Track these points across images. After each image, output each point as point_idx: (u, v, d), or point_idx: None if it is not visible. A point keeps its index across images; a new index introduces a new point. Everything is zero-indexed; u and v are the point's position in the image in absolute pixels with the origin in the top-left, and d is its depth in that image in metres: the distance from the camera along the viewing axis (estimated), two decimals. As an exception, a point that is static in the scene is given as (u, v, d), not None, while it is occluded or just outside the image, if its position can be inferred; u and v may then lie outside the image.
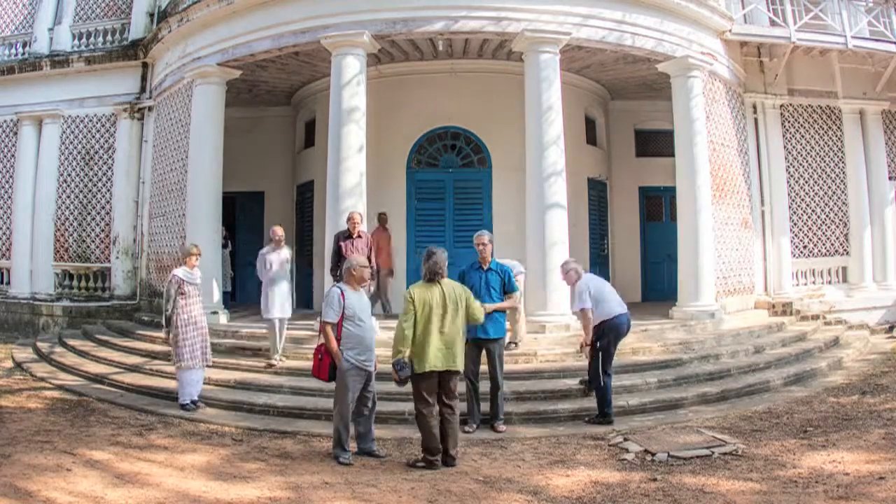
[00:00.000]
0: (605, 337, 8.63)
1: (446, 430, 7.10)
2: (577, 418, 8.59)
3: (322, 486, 6.35)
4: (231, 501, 5.97)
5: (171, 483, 6.40)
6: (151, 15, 16.31)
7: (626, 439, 7.70)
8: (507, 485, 6.38)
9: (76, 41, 16.80)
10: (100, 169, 16.36)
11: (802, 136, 15.82)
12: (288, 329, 11.18)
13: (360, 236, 10.91)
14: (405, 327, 6.96)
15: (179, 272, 9.42)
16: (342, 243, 10.75)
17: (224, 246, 15.14)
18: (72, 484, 6.22)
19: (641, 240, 17.45)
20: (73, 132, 16.56)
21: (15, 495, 5.86)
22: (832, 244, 15.91)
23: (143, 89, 16.26)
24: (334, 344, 7.28)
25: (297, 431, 8.26)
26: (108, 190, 16.27)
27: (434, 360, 6.97)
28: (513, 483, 6.43)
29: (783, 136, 15.63)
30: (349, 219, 11.00)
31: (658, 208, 17.77)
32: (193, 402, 9.25)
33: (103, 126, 16.41)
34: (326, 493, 6.20)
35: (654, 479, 6.36)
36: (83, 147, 16.50)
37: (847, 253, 15.95)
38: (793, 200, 15.63)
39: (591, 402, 8.87)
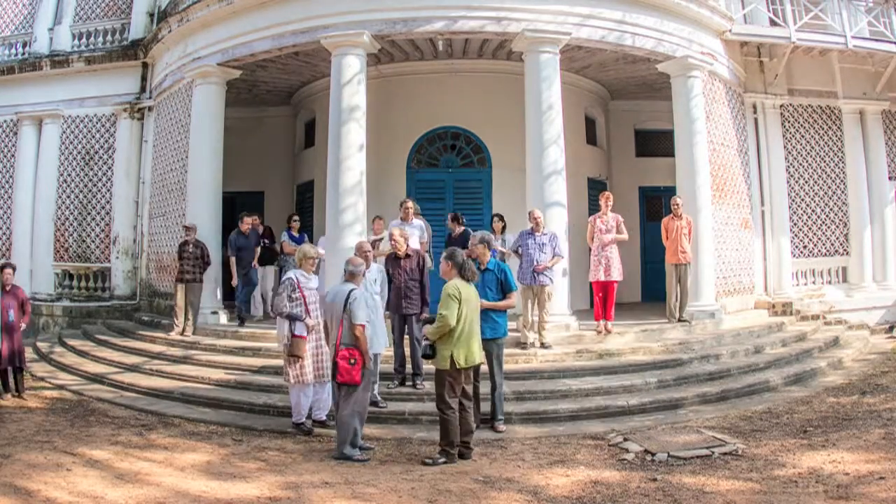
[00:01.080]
0: None
1: (467, 421, 7.22)
2: (576, 418, 8.58)
3: (322, 486, 6.35)
4: (231, 501, 5.97)
5: (171, 482, 6.40)
6: (151, 15, 16.33)
7: (626, 439, 7.70)
8: (507, 484, 6.38)
9: (76, 41, 16.81)
10: (100, 169, 16.37)
11: (802, 136, 15.82)
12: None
13: (408, 256, 9.57)
14: (451, 320, 7.03)
15: (296, 274, 8.37)
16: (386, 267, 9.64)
17: (299, 240, 13.67)
18: (72, 483, 6.22)
19: (641, 240, 17.43)
20: (73, 132, 16.56)
21: (15, 495, 5.87)
22: (832, 244, 15.90)
23: (143, 89, 16.28)
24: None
25: (297, 432, 8.26)
26: (108, 190, 16.29)
27: (477, 355, 7.26)
28: (513, 483, 6.43)
29: (783, 136, 15.62)
30: (390, 236, 9.80)
31: (658, 208, 17.74)
32: (319, 422, 8.47)
33: (103, 126, 16.41)
34: (326, 492, 6.19)
35: (654, 479, 6.36)
36: (83, 147, 16.50)
37: (847, 253, 15.94)
38: (793, 200, 15.62)
39: (590, 402, 8.88)
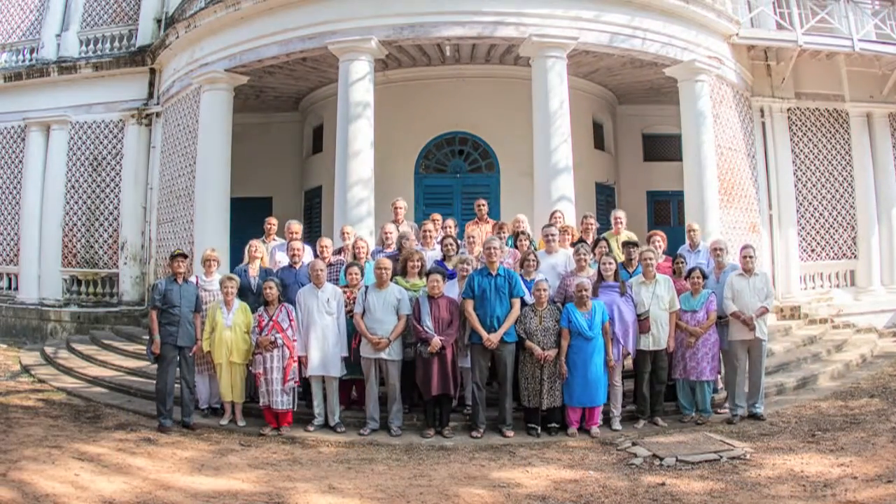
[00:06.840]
0: None
1: None
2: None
3: (329, 490, 6.36)
4: (241, 500, 6.01)
5: (181, 484, 6.43)
6: (159, 21, 16.40)
7: (634, 444, 7.69)
8: (515, 490, 6.37)
9: (83, 47, 16.89)
10: (108, 175, 16.42)
11: (810, 140, 15.79)
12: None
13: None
14: None
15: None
16: None
17: None
18: (80, 488, 6.24)
19: (648, 244, 17.40)
20: (80, 138, 16.63)
21: (24, 499, 5.89)
22: (840, 247, 15.85)
23: (150, 95, 16.34)
24: None
25: (306, 438, 8.27)
26: (116, 196, 16.33)
27: None
28: (521, 487, 6.42)
29: (790, 139, 15.60)
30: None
31: (666, 212, 17.74)
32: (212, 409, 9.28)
33: (111, 132, 16.47)
34: (335, 496, 6.21)
35: (663, 484, 6.35)
36: (91, 153, 16.57)
37: (855, 256, 15.90)
38: (800, 204, 15.59)
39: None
